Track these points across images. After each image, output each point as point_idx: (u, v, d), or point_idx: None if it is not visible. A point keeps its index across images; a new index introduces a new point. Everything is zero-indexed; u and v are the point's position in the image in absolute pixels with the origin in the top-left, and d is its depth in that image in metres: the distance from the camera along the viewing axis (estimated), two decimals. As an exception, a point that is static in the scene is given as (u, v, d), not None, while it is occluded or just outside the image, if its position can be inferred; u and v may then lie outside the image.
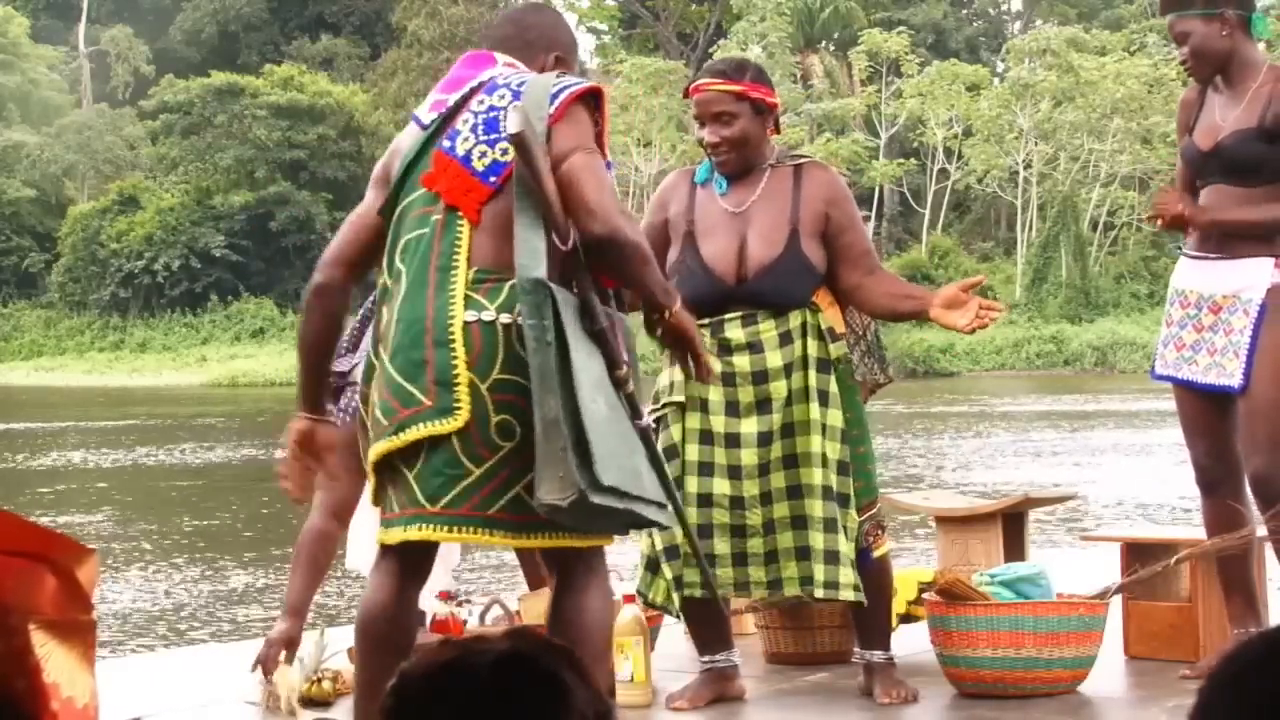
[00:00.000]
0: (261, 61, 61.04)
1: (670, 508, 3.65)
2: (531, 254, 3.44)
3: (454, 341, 3.48)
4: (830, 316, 4.68)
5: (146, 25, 66.79)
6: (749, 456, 4.65)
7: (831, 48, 61.23)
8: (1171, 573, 5.00)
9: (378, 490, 3.63)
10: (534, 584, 5.43)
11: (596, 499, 3.34)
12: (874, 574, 4.72)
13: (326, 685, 4.86)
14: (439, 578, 5.17)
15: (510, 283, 3.49)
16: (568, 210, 3.49)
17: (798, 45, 58.10)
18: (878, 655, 4.75)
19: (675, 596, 4.73)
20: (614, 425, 3.44)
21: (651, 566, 4.78)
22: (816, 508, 4.60)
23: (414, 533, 3.52)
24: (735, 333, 4.67)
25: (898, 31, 56.58)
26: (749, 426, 4.66)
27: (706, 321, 4.62)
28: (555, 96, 3.57)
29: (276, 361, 48.47)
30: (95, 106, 63.18)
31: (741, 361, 4.66)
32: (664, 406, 4.72)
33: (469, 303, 3.50)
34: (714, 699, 4.75)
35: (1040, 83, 52.33)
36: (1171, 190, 4.87)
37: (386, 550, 3.61)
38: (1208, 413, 4.85)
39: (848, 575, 4.59)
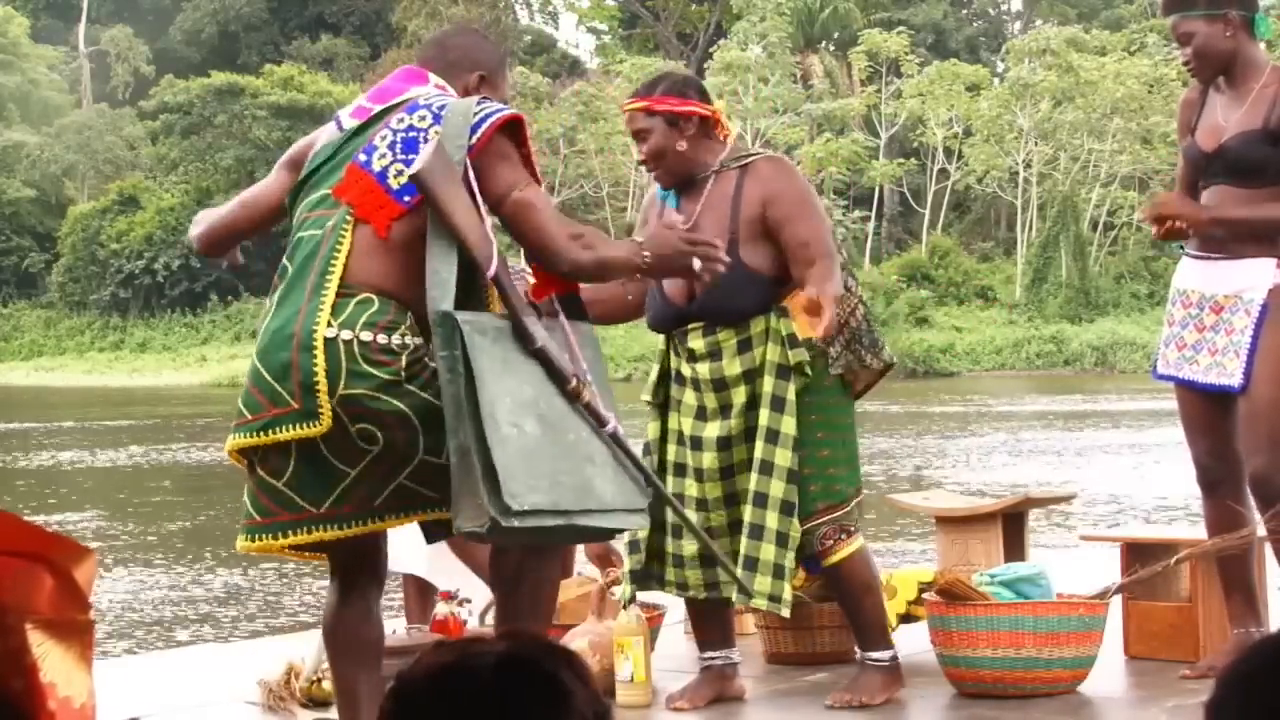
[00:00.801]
0: (261, 61, 61.05)
1: (656, 502, 3.75)
2: (440, 285, 3.54)
3: (316, 349, 3.57)
4: (801, 321, 4.56)
5: (146, 25, 66.80)
6: (710, 460, 4.69)
7: (831, 48, 61.22)
8: (1171, 573, 5.00)
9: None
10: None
11: (514, 523, 3.43)
12: (836, 580, 4.69)
13: (326, 685, 4.85)
14: (452, 574, 5.18)
15: (358, 298, 3.60)
16: (526, 249, 3.67)
17: (798, 45, 58.07)
18: (869, 655, 4.73)
19: (628, 588, 4.79)
20: (547, 446, 3.53)
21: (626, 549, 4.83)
22: (771, 519, 4.59)
23: (302, 536, 3.60)
24: (696, 342, 4.70)
25: (897, 31, 56.57)
26: (710, 431, 4.70)
27: (673, 334, 4.74)
28: (475, 128, 3.65)
29: (276, 361, 48.49)
30: (95, 106, 63.19)
31: (703, 369, 4.69)
32: (647, 404, 4.83)
33: (333, 314, 3.59)
34: (714, 698, 4.75)
35: (1040, 83, 52.33)
36: (1171, 195, 4.85)
37: (333, 554, 3.69)
38: (1209, 412, 4.84)
39: (763, 583, 4.57)
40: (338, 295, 3.59)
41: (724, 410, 4.68)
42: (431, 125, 3.67)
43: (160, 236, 55.31)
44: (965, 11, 69.25)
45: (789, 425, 4.61)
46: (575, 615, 5.11)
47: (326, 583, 3.85)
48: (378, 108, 3.79)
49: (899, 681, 4.72)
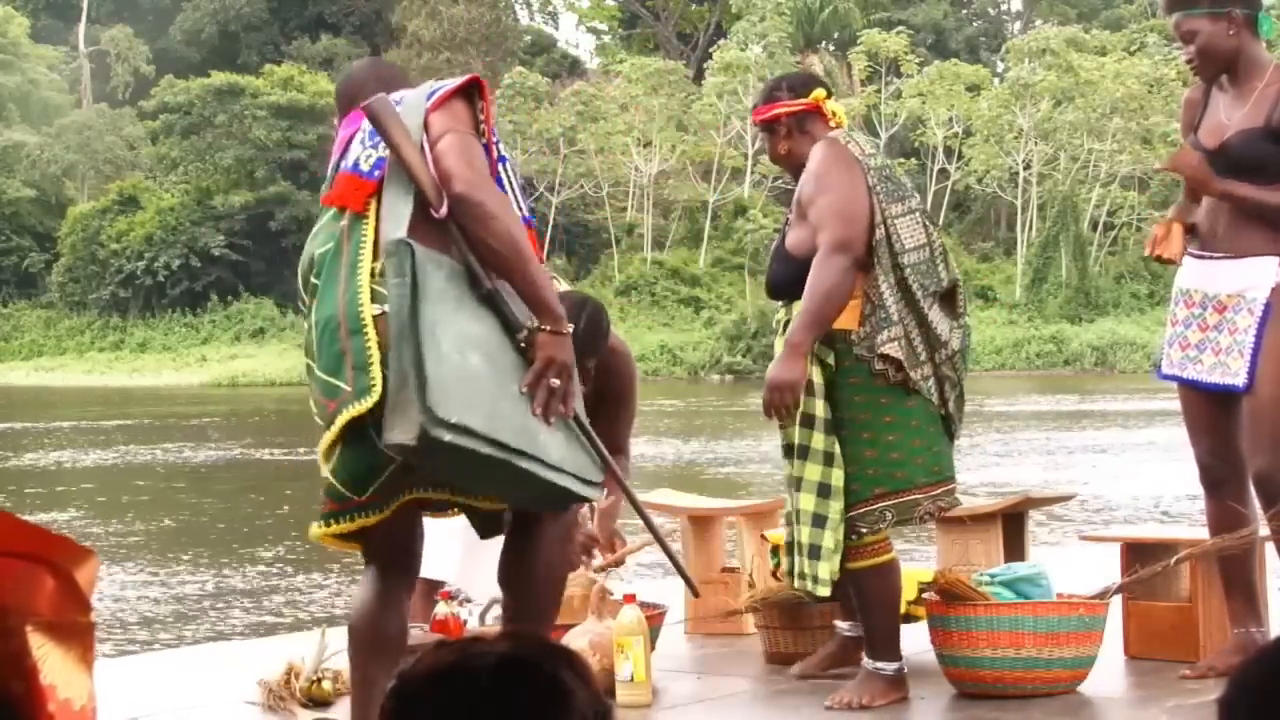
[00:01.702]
0: (261, 61, 61.03)
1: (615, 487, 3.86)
2: (394, 219, 3.65)
3: (366, 328, 3.61)
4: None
5: (146, 25, 66.79)
6: (783, 438, 4.76)
7: (831, 48, 61.22)
8: (1171, 573, 4.99)
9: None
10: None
11: (443, 435, 3.41)
12: (855, 586, 4.71)
13: (326, 685, 4.85)
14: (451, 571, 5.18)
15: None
16: (439, 178, 3.67)
17: (798, 45, 58.08)
18: (874, 664, 4.72)
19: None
20: (490, 381, 3.54)
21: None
22: (807, 501, 4.64)
23: (345, 525, 3.67)
24: (774, 321, 4.90)
25: (897, 31, 56.60)
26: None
27: None
28: (433, 93, 3.79)
29: (276, 361, 48.48)
30: (95, 106, 63.18)
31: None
32: None
33: (375, 295, 3.63)
34: (835, 664, 4.98)
35: (1040, 83, 52.34)
36: (1188, 152, 4.82)
37: (368, 547, 3.73)
38: (1211, 412, 4.84)
39: (800, 564, 4.68)
40: (382, 274, 3.63)
41: None
42: (396, 105, 3.80)
43: (160, 236, 55.31)
44: (965, 11, 69.23)
45: (820, 408, 4.63)
46: (575, 615, 5.11)
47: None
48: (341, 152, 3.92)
49: (901, 691, 4.70)
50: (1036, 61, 53.44)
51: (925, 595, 4.89)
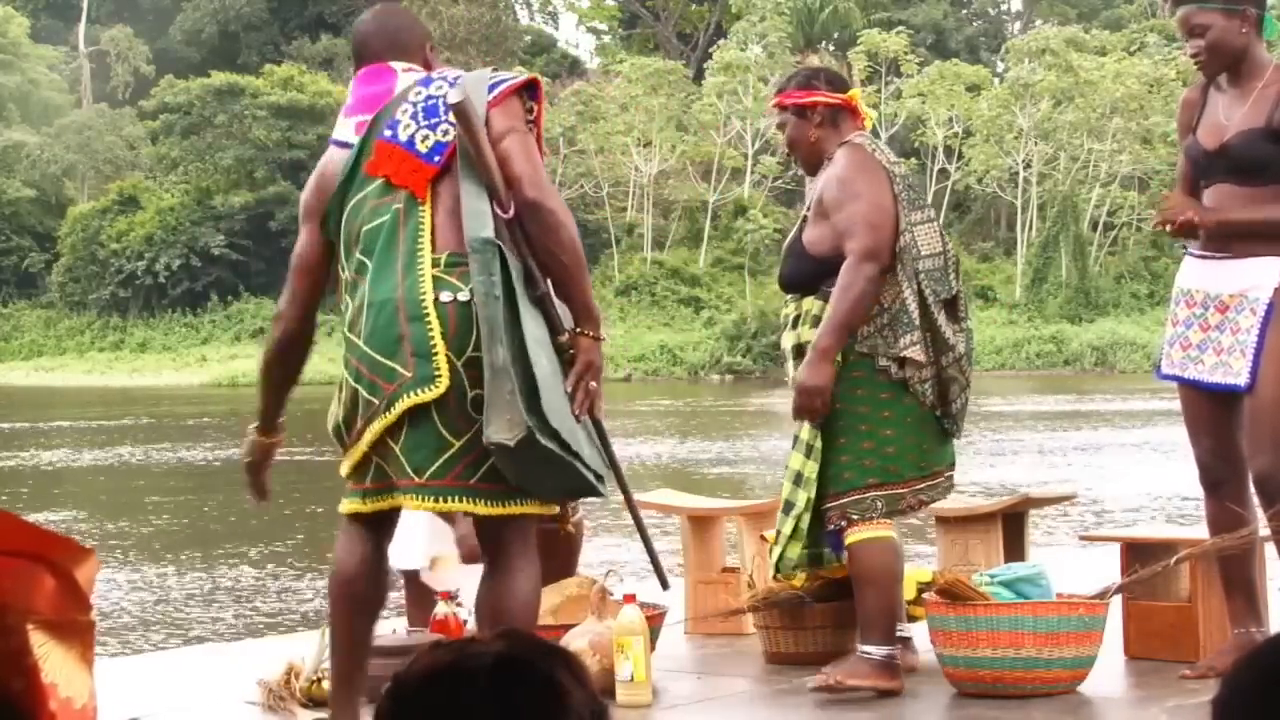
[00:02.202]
0: (261, 61, 61.02)
1: (608, 483, 3.88)
2: (477, 217, 3.72)
3: (428, 316, 3.70)
4: None
5: (146, 25, 66.78)
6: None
7: (831, 48, 61.19)
8: (1171, 573, 4.99)
9: (361, 464, 3.84)
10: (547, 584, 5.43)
11: (544, 440, 3.60)
12: (850, 562, 4.82)
13: (327, 685, 4.85)
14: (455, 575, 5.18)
15: (454, 264, 3.75)
16: (505, 181, 3.75)
17: (797, 45, 58.06)
18: (862, 648, 4.76)
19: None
20: (557, 382, 3.70)
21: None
22: (787, 488, 4.89)
23: (410, 503, 3.77)
24: (782, 316, 5.03)
25: (897, 31, 56.59)
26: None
27: None
28: (494, 86, 3.84)
29: (276, 361, 48.46)
30: (95, 106, 63.18)
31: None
32: None
33: (440, 284, 3.72)
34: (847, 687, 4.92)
35: (1040, 83, 52.34)
36: (1176, 195, 4.84)
37: (358, 517, 3.88)
38: (1212, 412, 4.83)
39: (776, 548, 4.92)
40: (449, 265, 3.73)
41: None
42: (449, 90, 3.83)
43: (160, 236, 55.31)
44: (965, 11, 69.23)
45: None
46: (575, 615, 5.10)
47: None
48: (375, 114, 3.91)
49: (889, 678, 4.71)
50: (1036, 61, 53.44)
51: (925, 595, 4.89)
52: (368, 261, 3.81)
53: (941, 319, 4.79)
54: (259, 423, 4.07)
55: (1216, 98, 4.83)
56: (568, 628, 4.93)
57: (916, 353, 4.73)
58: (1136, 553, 5.08)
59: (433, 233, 3.76)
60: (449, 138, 3.80)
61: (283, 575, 12.41)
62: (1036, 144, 53.20)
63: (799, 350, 4.85)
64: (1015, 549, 5.60)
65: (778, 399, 36.82)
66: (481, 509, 3.75)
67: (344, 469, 3.90)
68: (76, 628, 1.89)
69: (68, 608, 1.86)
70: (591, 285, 3.85)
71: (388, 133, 3.86)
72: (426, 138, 3.83)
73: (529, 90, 3.89)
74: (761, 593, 5.30)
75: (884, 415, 4.77)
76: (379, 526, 3.93)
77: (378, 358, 3.74)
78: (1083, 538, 6.00)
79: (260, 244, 54.49)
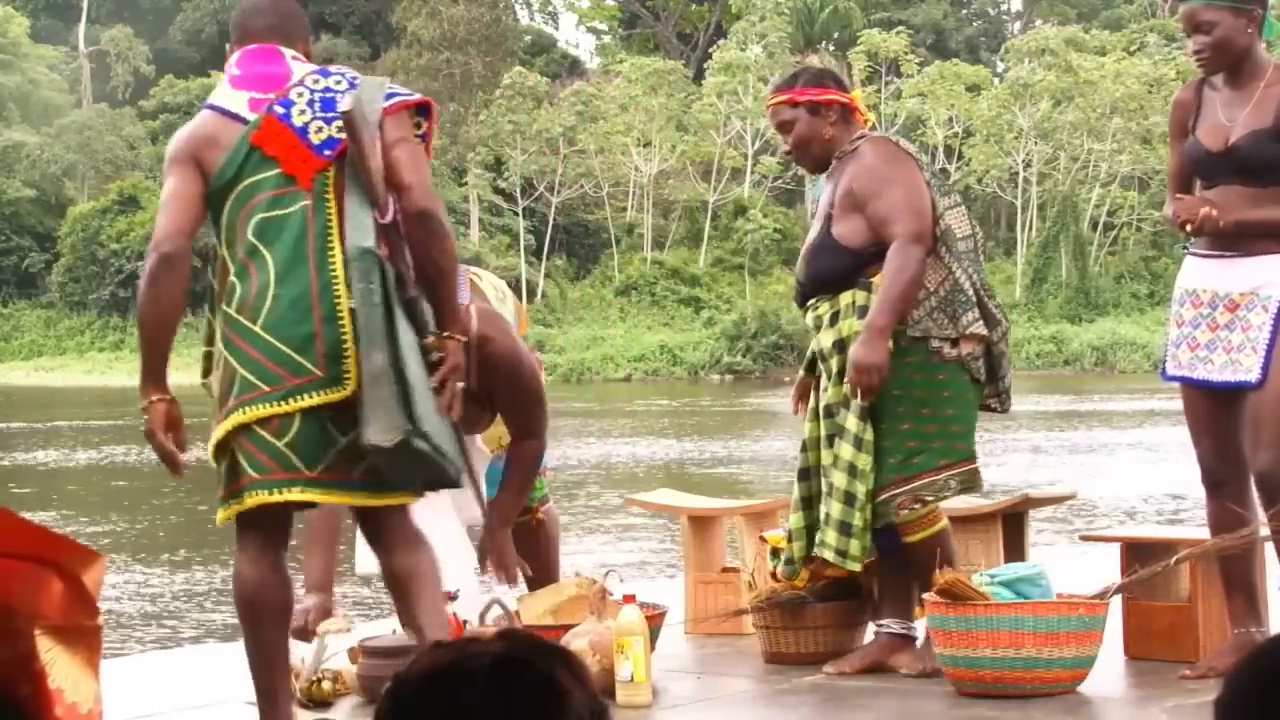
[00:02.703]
0: (261, 61, 60.95)
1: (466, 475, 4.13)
2: (360, 227, 3.88)
3: (343, 319, 3.87)
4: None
5: (146, 25, 66.76)
6: (812, 430, 5.01)
7: (831, 48, 61.20)
8: (1171, 573, 4.99)
9: (220, 451, 3.94)
10: (534, 584, 5.44)
11: (416, 442, 3.79)
12: (902, 552, 4.94)
13: (326, 685, 4.86)
14: (459, 578, 5.18)
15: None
16: (391, 187, 3.92)
17: (797, 45, 58.06)
18: (886, 626, 4.94)
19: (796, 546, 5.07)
20: (426, 384, 3.88)
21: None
22: (840, 479, 4.88)
23: (295, 494, 3.89)
24: (809, 318, 5.03)
25: (897, 31, 56.60)
26: (815, 401, 5.03)
27: (805, 311, 5.08)
28: (391, 96, 4.00)
29: (276, 361, 48.46)
30: (95, 106, 63.15)
31: (814, 341, 5.02)
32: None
33: (349, 286, 3.89)
34: (870, 666, 4.98)
35: (1040, 83, 52.33)
36: (1189, 198, 4.81)
37: (251, 520, 3.93)
38: (1216, 412, 4.82)
39: (830, 537, 4.90)
40: (343, 267, 3.88)
41: (819, 382, 5.02)
42: (348, 89, 3.99)
43: (160, 236, 55.22)
44: (965, 11, 69.22)
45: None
46: (575, 615, 5.11)
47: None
48: (275, 93, 4.02)
49: (901, 650, 4.92)
50: (1036, 61, 53.44)
51: (925, 595, 4.89)
52: (266, 251, 3.91)
53: (984, 297, 4.94)
54: (155, 384, 3.97)
55: (1213, 97, 4.81)
56: (568, 628, 4.93)
57: (980, 328, 4.87)
58: (1136, 553, 5.09)
59: (341, 231, 3.90)
60: (342, 135, 3.93)
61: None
62: (1036, 144, 53.20)
63: (842, 345, 4.88)
64: (1015, 549, 5.60)
65: (777, 399, 36.82)
66: (359, 500, 3.95)
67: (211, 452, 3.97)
68: (83, 632, 1.89)
69: (75, 612, 1.86)
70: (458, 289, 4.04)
71: (280, 110, 3.98)
72: (321, 129, 3.96)
73: (423, 110, 4.07)
74: (763, 593, 5.30)
75: (944, 395, 4.88)
76: (276, 529, 3.99)
77: (283, 349, 3.86)
78: (1083, 538, 5.98)
79: (260, 244, 54.48)
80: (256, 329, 3.87)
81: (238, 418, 3.86)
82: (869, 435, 4.85)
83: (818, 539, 4.97)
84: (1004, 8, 71.01)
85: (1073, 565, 6.52)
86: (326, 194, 3.93)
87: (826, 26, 60.72)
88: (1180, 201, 4.77)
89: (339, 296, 3.86)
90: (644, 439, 24.86)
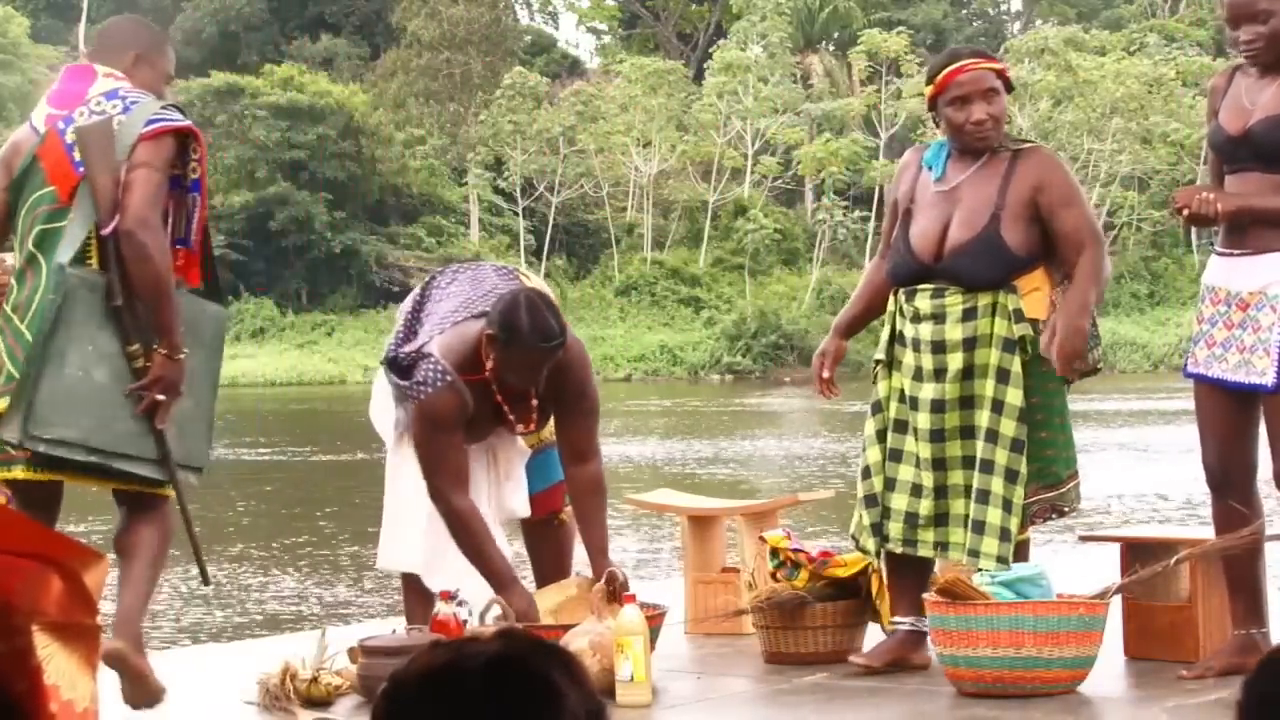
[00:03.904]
0: (261, 61, 60.98)
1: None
2: (71, 242, 4.32)
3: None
4: (1030, 300, 4.87)
5: (146, 25, 66.75)
6: (923, 420, 4.94)
7: (831, 48, 61.21)
8: (1171, 573, 4.99)
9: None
10: (544, 584, 5.45)
11: (39, 446, 4.31)
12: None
13: (325, 681, 4.85)
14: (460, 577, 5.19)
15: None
16: (120, 205, 4.31)
17: (798, 45, 58.07)
18: (904, 623, 5.00)
19: (871, 541, 5.04)
20: (107, 394, 4.34)
21: (863, 504, 5.06)
22: (997, 484, 4.85)
23: (18, 472, 4.37)
24: (924, 303, 4.95)
25: (897, 31, 56.56)
26: (926, 392, 4.94)
27: (901, 291, 4.98)
28: (152, 121, 4.36)
29: (276, 361, 48.47)
30: (95, 106, 63.14)
31: (925, 330, 4.93)
32: (876, 364, 5.09)
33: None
34: (894, 660, 4.95)
35: (1039, 82, 52.32)
36: (1189, 186, 4.80)
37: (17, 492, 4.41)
38: (1227, 413, 4.80)
39: (990, 545, 4.87)
40: None
41: (938, 374, 4.92)
42: (120, 113, 4.36)
43: (160, 236, 55.23)
44: (965, 11, 69.24)
45: (1015, 396, 4.86)
46: (575, 615, 5.11)
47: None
48: (70, 112, 4.40)
49: (920, 646, 4.96)
50: (1036, 61, 53.42)
51: (925, 595, 4.89)
52: (42, 259, 4.36)
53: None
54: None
55: (1240, 81, 4.76)
56: (568, 628, 4.93)
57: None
58: (1136, 553, 5.08)
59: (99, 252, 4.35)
60: None
61: (282, 575, 12.41)
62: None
63: (972, 343, 4.88)
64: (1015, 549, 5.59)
65: (777, 399, 36.84)
66: (82, 481, 4.51)
67: None
68: (82, 631, 1.88)
69: (74, 611, 1.86)
70: (172, 310, 4.38)
71: (61, 124, 4.37)
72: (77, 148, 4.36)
73: (189, 136, 4.43)
74: (763, 593, 5.30)
75: (1062, 405, 4.97)
76: (47, 505, 4.48)
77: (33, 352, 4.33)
78: (1083, 538, 5.98)
79: (260, 244, 54.45)
80: (24, 329, 4.35)
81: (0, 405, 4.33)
82: (1025, 437, 4.85)
83: (966, 545, 4.91)
84: (1004, 8, 71.04)
85: (1073, 565, 6.52)
86: (65, 199, 4.35)
87: (826, 26, 60.71)
88: (1182, 189, 4.77)
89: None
90: (644, 439, 24.87)
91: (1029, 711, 4.51)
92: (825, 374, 5.28)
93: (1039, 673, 4.63)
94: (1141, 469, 18.70)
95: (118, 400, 4.36)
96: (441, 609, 5.03)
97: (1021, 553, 4.94)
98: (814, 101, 56.08)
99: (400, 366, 5.16)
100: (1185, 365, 4.92)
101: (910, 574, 5.05)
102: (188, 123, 4.42)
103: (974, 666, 4.66)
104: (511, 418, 5.16)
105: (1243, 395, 4.75)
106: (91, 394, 4.33)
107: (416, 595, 5.41)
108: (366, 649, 4.83)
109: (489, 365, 5.02)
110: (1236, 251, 4.74)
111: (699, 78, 58.03)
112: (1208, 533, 5.05)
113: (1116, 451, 21.14)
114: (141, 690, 4.44)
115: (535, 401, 5.16)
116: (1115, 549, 5.29)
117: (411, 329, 5.28)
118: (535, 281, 5.42)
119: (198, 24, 66.44)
